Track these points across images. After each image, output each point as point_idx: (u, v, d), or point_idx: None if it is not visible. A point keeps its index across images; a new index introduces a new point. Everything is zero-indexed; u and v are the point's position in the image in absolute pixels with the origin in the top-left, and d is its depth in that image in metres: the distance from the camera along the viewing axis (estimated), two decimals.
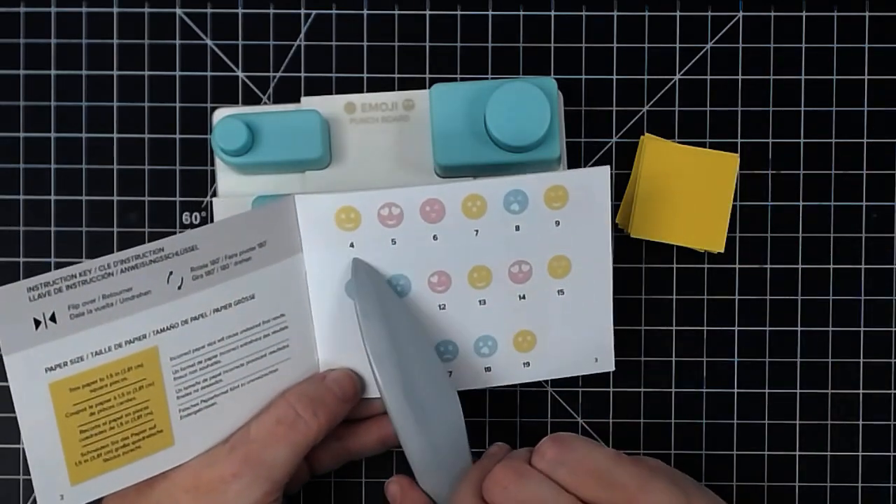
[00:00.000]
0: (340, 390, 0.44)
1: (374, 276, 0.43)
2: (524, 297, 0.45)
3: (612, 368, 0.46)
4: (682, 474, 0.41)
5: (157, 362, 0.41)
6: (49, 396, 0.39)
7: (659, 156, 0.47)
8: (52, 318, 0.38)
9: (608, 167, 0.43)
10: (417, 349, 0.43)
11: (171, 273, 0.40)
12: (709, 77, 0.48)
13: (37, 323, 0.38)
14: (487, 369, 0.46)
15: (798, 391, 0.48)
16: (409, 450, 0.42)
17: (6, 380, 0.38)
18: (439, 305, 0.45)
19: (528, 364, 0.46)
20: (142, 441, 0.41)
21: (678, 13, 0.48)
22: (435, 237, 0.44)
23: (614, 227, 0.48)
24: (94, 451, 0.40)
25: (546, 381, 0.48)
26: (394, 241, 0.44)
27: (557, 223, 0.44)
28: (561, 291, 0.45)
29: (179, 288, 0.40)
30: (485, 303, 0.45)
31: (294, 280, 0.44)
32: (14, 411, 0.38)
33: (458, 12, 0.48)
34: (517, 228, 0.44)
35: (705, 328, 0.48)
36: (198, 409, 0.42)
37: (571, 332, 0.45)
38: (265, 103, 0.48)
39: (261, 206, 0.43)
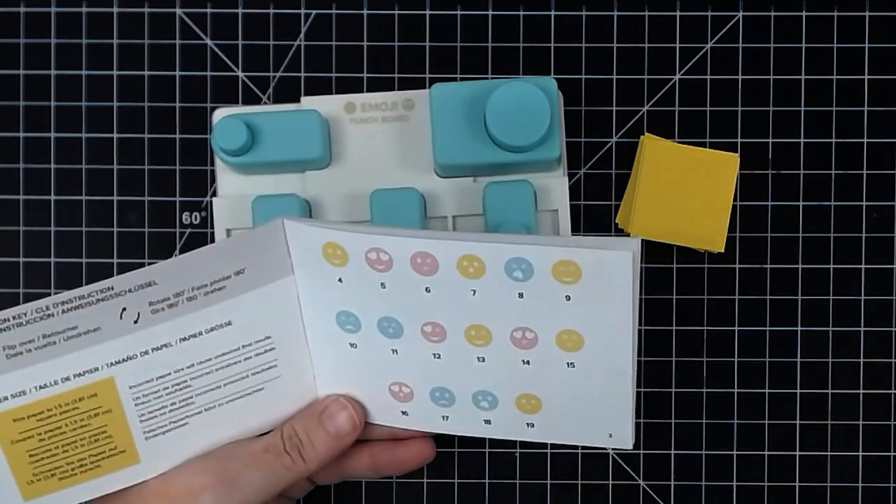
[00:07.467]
0: (334, 428, 0.42)
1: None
2: (528, 363, 0.41)
3: (630, 447, 0.42)
4: None
5: (115, 391, 0.40)
6: None
7: (659, 156, 0.47)
8: None
9: (630, 252, 0.37)
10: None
11: (124, 309, 0.39)
12: (709, 77, 0.48)
13: None
14: (487, 421, 0.43)
15: (798, 391, 0.48)
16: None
17: None
18: (434, 354, 0.41)
19: (532, 425, 0.43)
20: (101, 461, 0.41)
21: (678, 13, 0.48)
22: (427, 289, 0.40)
23: (614, 226, 0.48)
24: (48, 472, 0.40)
25: None
26: (383, 285, 0.40)
27: (568, 297, 0.38)
28: (571, 364, 0.40)
29: (136, 322, 0.39)
30: (483, 360, 0.41)
31: (283, 303, 0.42)
32: None
33: (458, 12, 0.48)
34: (520, 296, 0.39)
35: (705, 328, 0.48)
36: (166, 430, 0.41)
37: (583, 406, 0.41)
38: (265, 103, 0.48)
39: (242, 233, 0.41)
